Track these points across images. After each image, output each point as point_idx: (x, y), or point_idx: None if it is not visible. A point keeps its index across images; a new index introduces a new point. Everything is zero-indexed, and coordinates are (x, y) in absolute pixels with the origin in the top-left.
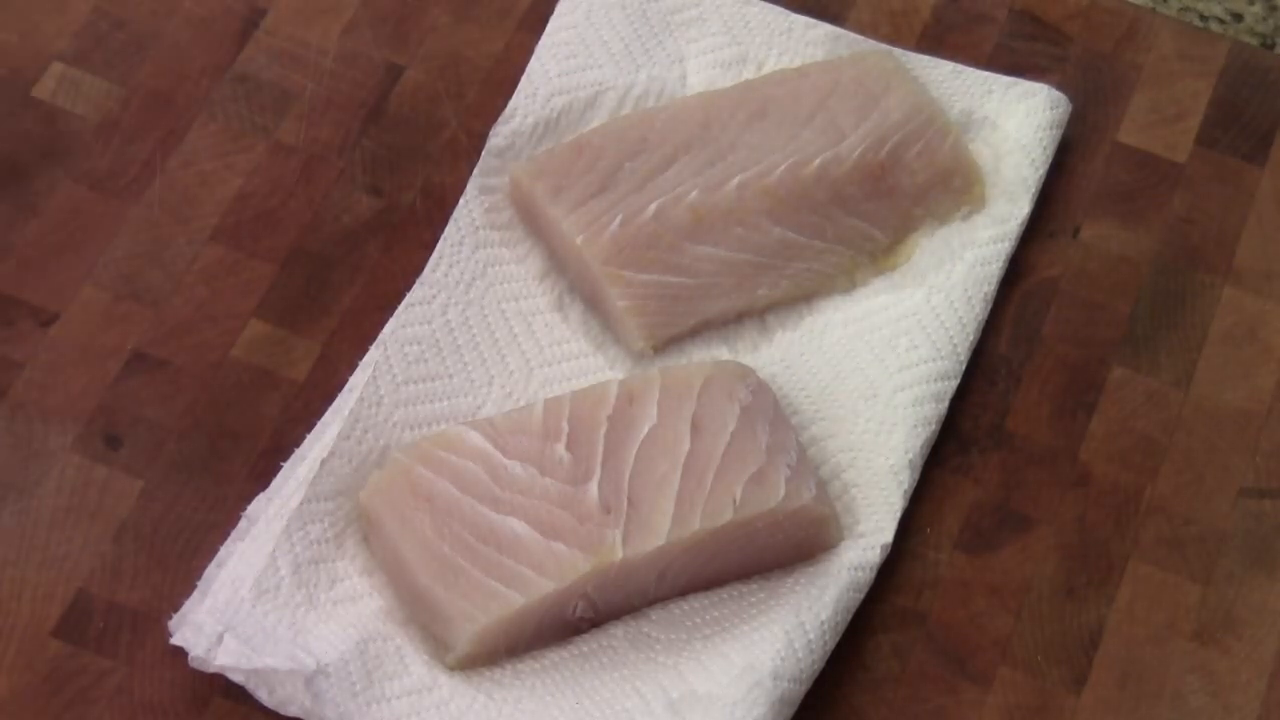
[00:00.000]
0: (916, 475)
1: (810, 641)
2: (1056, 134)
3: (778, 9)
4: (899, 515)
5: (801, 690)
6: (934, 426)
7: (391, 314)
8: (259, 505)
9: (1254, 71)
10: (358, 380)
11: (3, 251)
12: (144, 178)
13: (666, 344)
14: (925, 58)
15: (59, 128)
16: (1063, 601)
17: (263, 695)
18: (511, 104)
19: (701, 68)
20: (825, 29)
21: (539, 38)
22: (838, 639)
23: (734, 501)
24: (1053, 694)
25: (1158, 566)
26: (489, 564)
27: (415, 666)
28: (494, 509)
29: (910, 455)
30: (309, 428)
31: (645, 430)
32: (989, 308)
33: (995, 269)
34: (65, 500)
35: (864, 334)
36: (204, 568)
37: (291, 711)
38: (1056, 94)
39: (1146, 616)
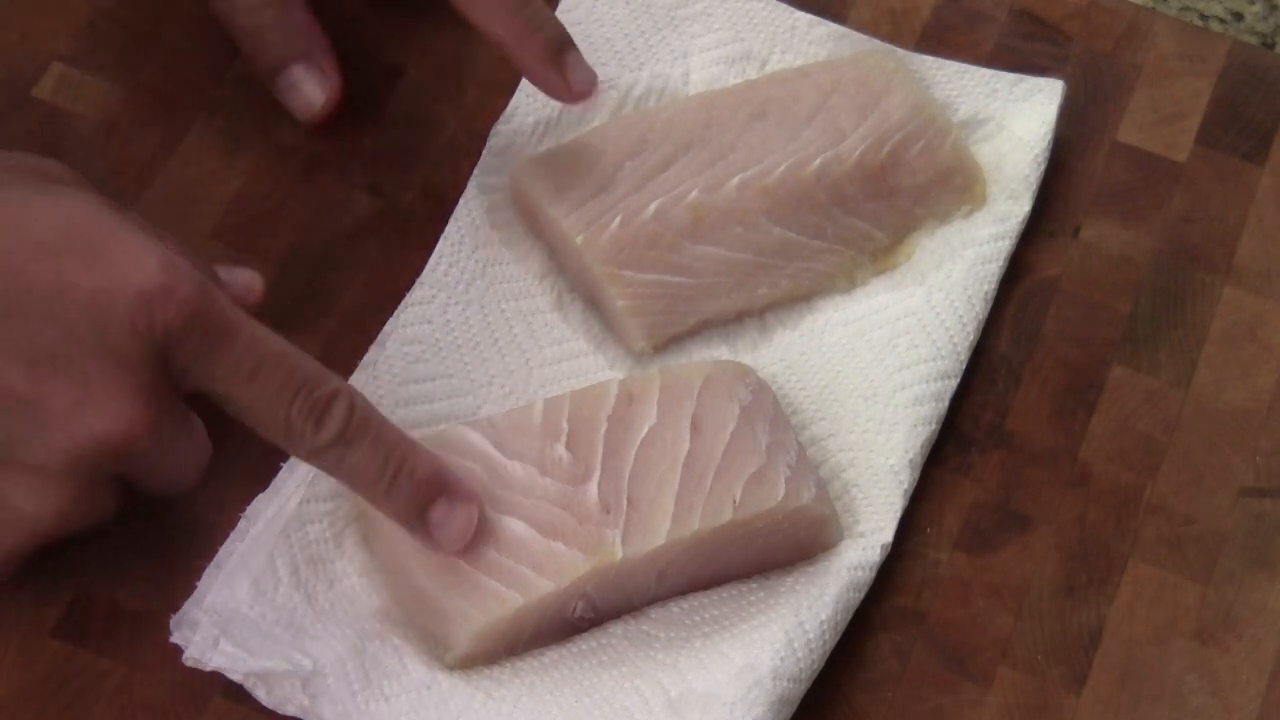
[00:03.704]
0: (916, 475)
1: (810, 641)
2: (1055, 122)
3: (783, 6)
4: (899, 515)
5: (801, 689)
6: (934, 426)
7: (391, 314)
8: (258, 505)
9: (1254, 71)
10: (357, 380)
11: None
12: (144, 178)
13: (666, 344)
14: (930, 58)
15: (59, 128)
16: (1063, 601)
17: (261, 694)
18: (512, 103)
19: (705, 64)
20: (829, 27)
21: None
22: (838, 638)
23: (734, 501)
24: (1053, 694)
25: (1158, 566)
26: (488, 564)
27: (414, 666)
28: (493, 509)
29: (910, 455)
30: None
31: (645, 430)
32: (989, 307)
33: (995, 268)
34: None
35: (864, 333)
36: (204, 568)
37: (290, 711)
38: (1057, 83)
39: (1146, 616)
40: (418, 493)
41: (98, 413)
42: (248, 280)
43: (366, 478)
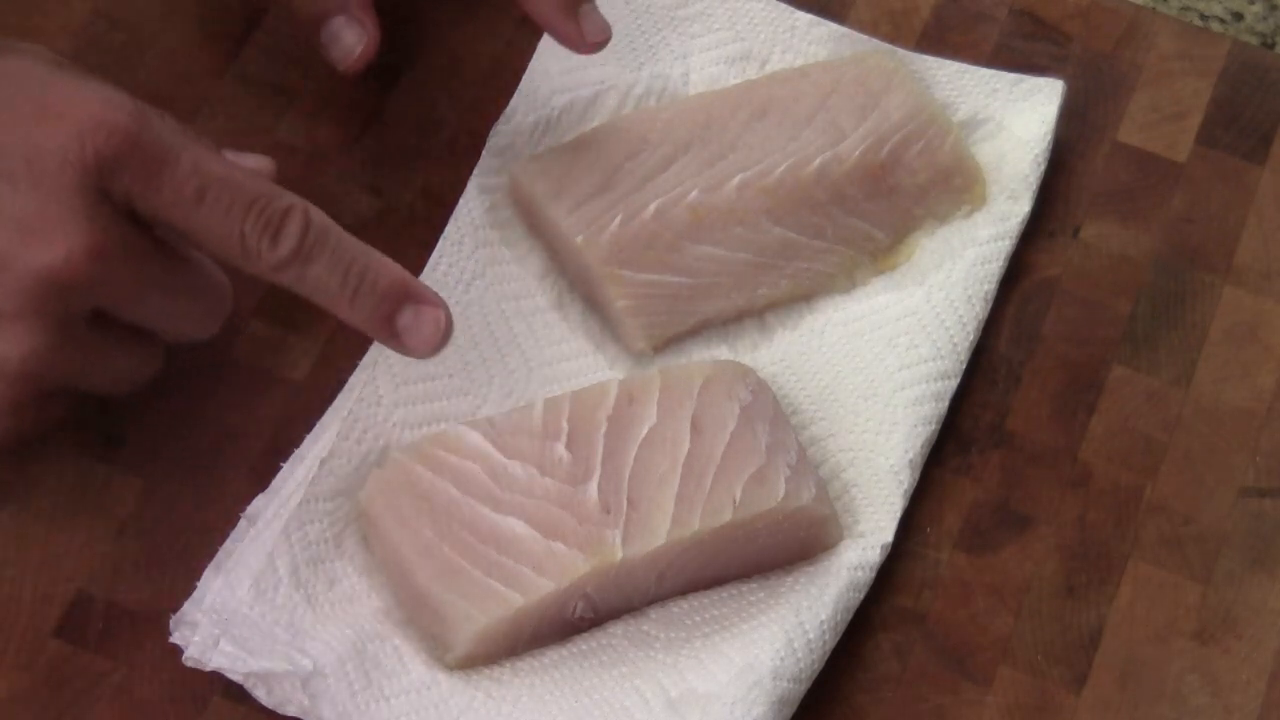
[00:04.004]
0: (916, 475)
1: (810, 641)
2: (1055, 122)
3: (783, 6)
4: (899, 515)
5: (801, 690)
6: (934, 426)
7: None
8: (259, 505)
9: (1254, 71)
10: (357, 380)
11: None
12: None
13: (666, 344)
14: (930, 58)
15: None
16: (1063, 601)
17: (260, 694)
18: (512, 103)
19: (705, 64)
20: (829, 27)
21: (539, 37)
22: (838, 639)
23: (734, 501)
24: (1053, 694)
25: (1158, 566)
26: (488, 564)
27: (414, 666)
28: (493, 509)
29: (910, 455)
30: (309, 428)
31: (645, 430)
32: (989, 307)
33: (996, 268)
34: (65, 500)
35: (864, 334)
36: (204, 568)
37: (290, 711)
38: (1057, 83)
39: (1146, 616)
40: (383, 302)
41: (35, 248)
42: (256, 164)
43: (329, 291)
